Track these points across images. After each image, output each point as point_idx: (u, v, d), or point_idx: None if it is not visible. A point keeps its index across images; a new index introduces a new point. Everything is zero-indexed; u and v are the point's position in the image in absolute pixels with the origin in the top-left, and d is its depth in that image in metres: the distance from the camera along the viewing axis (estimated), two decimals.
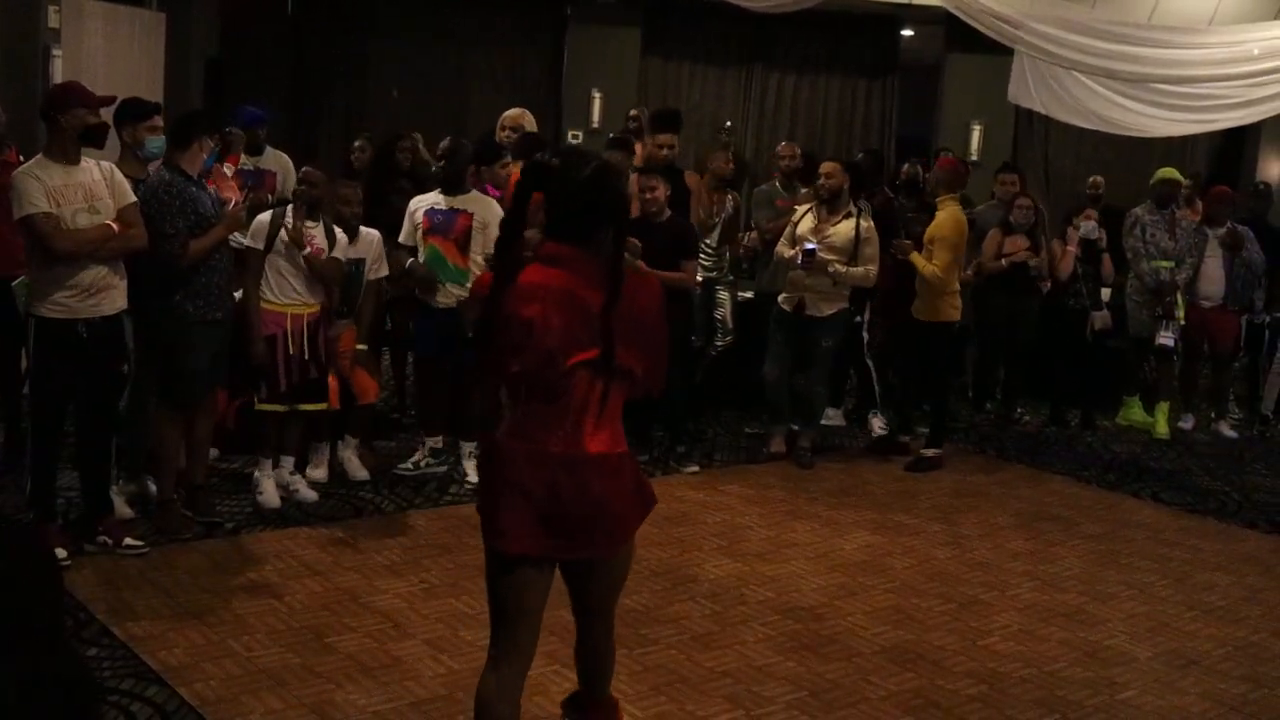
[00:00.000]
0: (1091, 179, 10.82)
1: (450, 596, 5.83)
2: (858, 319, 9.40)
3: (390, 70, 14.26)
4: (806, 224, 8.49)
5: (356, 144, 9.73)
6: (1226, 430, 10.64)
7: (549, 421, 3.77)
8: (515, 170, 8.61)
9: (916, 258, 8.53)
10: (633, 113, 10.63)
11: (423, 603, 5.75)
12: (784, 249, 8.52)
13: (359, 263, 7.39)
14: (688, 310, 8.69)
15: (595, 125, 14.08)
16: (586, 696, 4.45)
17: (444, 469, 7.77)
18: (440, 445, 7.79)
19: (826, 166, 8.58)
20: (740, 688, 5.11)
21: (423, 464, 7.76)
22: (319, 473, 7.43)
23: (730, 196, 9.39)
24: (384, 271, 7.57)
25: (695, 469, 8.32)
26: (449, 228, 7.36)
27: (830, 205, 8.47)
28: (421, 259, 7.43)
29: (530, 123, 8.83)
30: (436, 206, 7.42)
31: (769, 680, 5.20)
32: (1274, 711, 5.29)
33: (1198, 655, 5.84)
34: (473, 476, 7.39)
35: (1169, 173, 10.56)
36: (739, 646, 5.53)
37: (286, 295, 6.85)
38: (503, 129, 8.77)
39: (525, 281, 3.70)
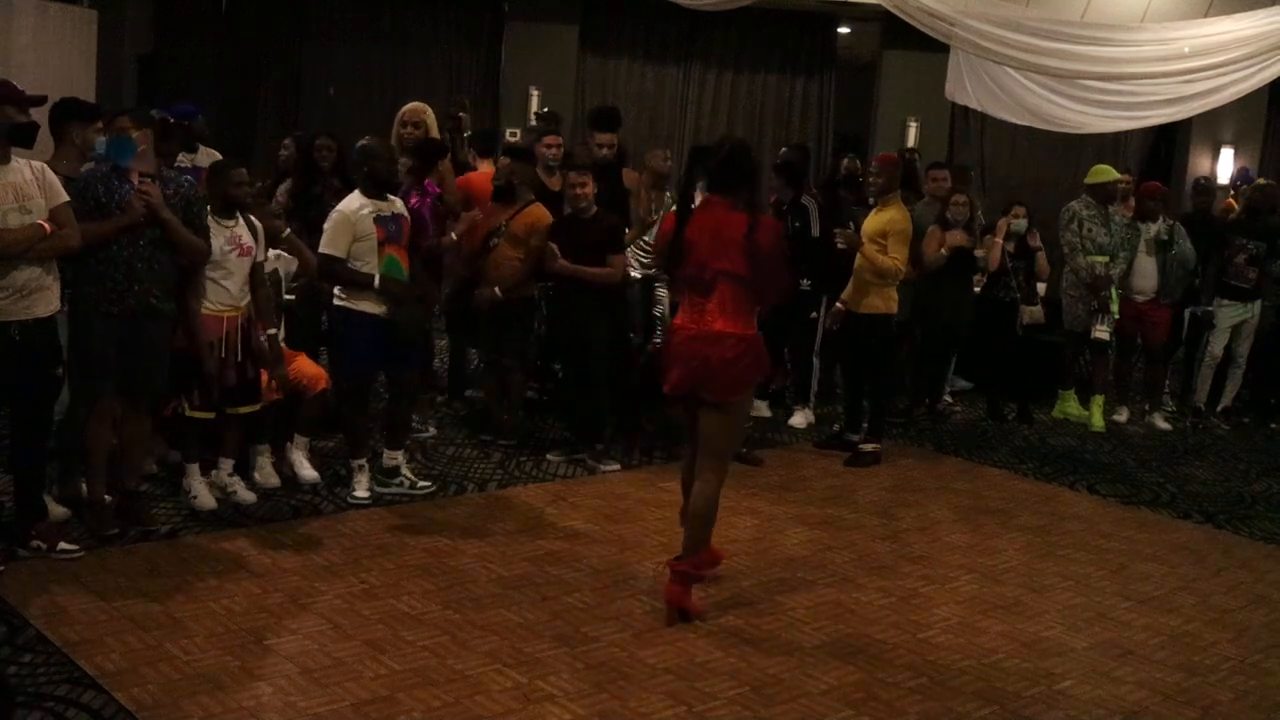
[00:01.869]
0: (1014, 210, 10.81)
1: (391, 597, 5.79)
2: (813, 315, 9.46)
3: (326, 68, 14.18)
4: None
5: (285, 142, 9.65)
6: (1160, 423, 10.79)
7: (695, 309, 5.80)
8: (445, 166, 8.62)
9: (871, 250, 8.54)
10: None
11: (363, 604, 5.71)
12: None
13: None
14: (623, 307, 8.70)
15: (533, 122, 14.03)
16: (684, 548, 5.89)
17: (431, 486, 7.55)
18: (397, 461, 7.49)
19: None
20: (682, 683, 5.11)
21: (389, 486, 7.41)
22: (272, 480, 7.33)
23: (669, 194, 9.41)
24: (292, 264, 7.51)
25: (616, 467, 8.30)
26: (400, 233, 7.25)
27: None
28: (379, 270, 7.07)
29: (431, 119, 8.69)
30: (381, 214, 7.12)
31: (711, 676, 5.21)
32: (1208, 699, 5.36)
33: (1133, 645, 5.91)
34: (361, 492, 7.19)
35: (1108, 172, 10.64)
36: (681, 642, 5.53)
37: (220, 300, 6.77)
38: (404, 125, 8.61)
39: (693, 219, 5.84)
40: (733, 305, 5.70)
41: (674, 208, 6.32)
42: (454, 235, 8.24)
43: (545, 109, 12.64)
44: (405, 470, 7.47)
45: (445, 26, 14.52)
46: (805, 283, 9.19)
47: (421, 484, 7.45)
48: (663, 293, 9.31)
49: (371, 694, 4.82)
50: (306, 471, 7.46)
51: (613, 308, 8.39)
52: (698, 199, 6.14)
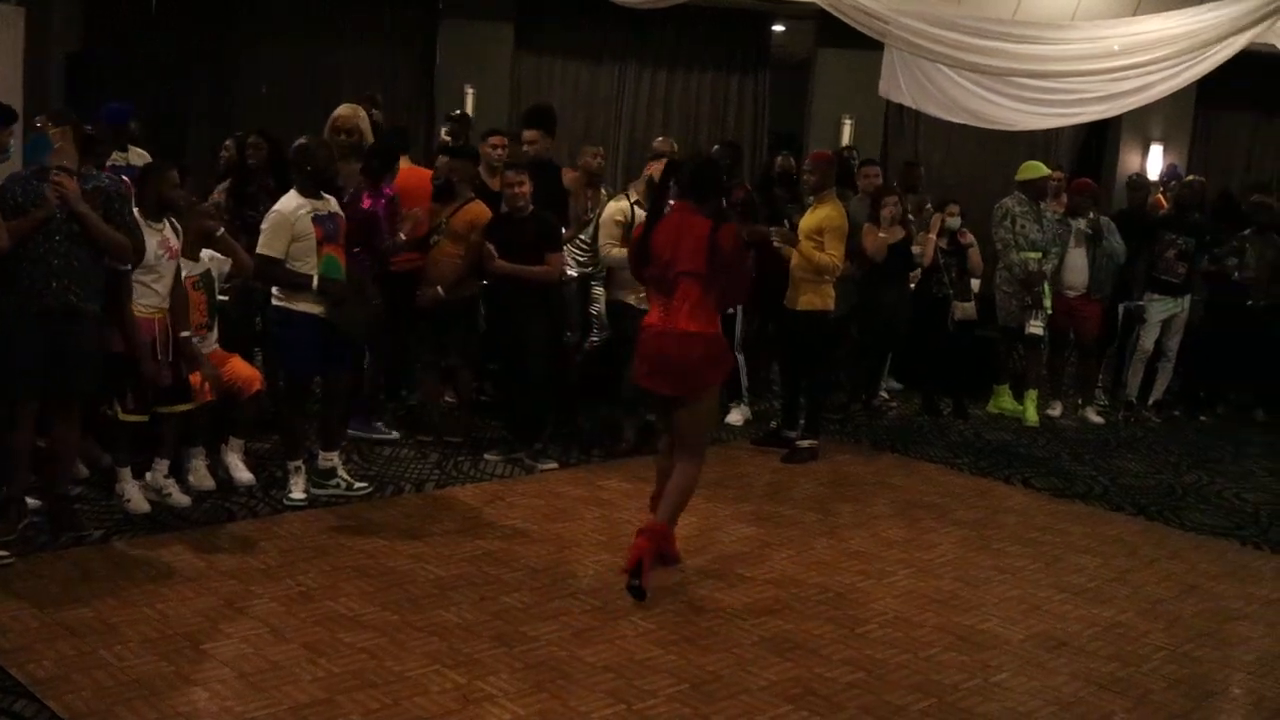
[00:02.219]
0: (949, 207, 10.90)
1: (328, 599, 5.75)
2: (729, 311, 9.49)
3: (259, 66, 14.04)
4: (607, 211, 8.52)
5: (226, 144, 9.56)
6: (1093, 416, 10.92)
7: (663, 308, 6.19)
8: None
9: (807, 247, 8.57)
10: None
11: (300, 606, 5.67)
12: (616, 249, 8.47)
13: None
14: (559, 306, 8.69)
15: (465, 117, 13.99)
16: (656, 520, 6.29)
17: (368, 487, 7.51)
18: (333, 462, 7.43)
19: (660, 163, 8.65)
20: (622, 681, 5.11)
21: (325, 488, 7.34)
22: (207, 483, 7.25)
23: (604, 191, 9.41)
24: (225, 265, 7.46)
25: (554, 465, 8.29)
26: (338, 232, 7.18)
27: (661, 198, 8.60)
28: (318, 270, 7.00)
29: (364, 120, 8.55)
30: (318, 213, 7.05)
31: (650, 673, 5.21)
32: (1141, 689, 5.43)
33: (1068, 636, 5.97)
34: (297, 494, 7.14)
35: (1039, 168, 10.74)
36: (620, 641, 5.53)
37: (150, 303, 6.69)
38: (337, 133, 8.35)
39: (660, 224, 6.25)
40: (697, 305, 6.12)
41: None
42: (403, 235, 8.21)
43: (458, 111, 12.66)
44: (341, 471, 7.42)
45: (379, 24, 14.42)
46: None
47: (358, 485, 7.41)
48: (599, 291, 9.31)
49: (309, 697, 4.78)
50: (242, 474, 7.40)
51: (550, 306, 8.39)
52: (670, 206, 6.49)
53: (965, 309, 10.53)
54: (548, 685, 5.02)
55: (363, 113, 8.64)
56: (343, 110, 8.47)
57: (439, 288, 8.28)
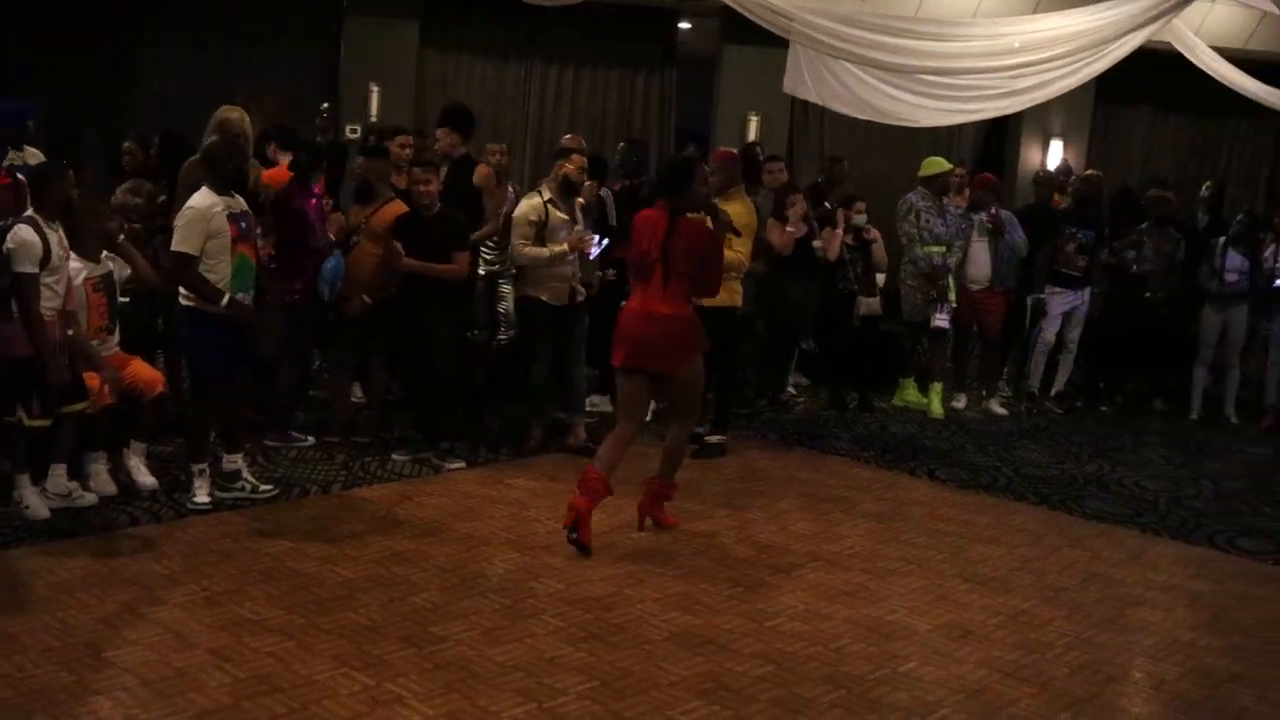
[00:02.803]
0: (856, 206, 10.99)
1: (233, 604, 5.68)
2: (623, 304, 9.51)
3: (157, 64, 13.79)
4: (557, 215, 8.51)
5: (125, 144, 9.41)
6: (997, 408, 11.07)
7: (641, 292, 6.93)
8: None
9: None
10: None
11: (205, 611, 5.59)
12: (528, 247, 8.48)
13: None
14: (466, 304, 8.65)
15: (374, 119, 13.86)
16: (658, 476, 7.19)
17: (274, 490, 7.43)
18: (237, 465, 7.33)
19: (576, 159, 8.65)
20: (532, 680, 5.10)
21: (230, 491, 7.25)
22: (109, 488, 7.13)
23: (511, 190, 9.38)
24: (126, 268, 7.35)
25: (461, 465, 8.24)
26: (251, 231, 7.08)
27: (572, 194, 8.58)
28: (231, 268, 6.91)
29: (248, 124, 8.33)
30: (232, 211, 6.96)
31: (560, 671, 5.21)
32: (1045, 676, 5.51)
33: (973, 625, 6.05)
34: (201, 498, 7.06)
35: (941, 164, 10.86)
36: (529, 639, 5.52)
37: (51, 305, 6.58)
38: (234, 135, 7.99)
39: (641, 218, 7.05)
40: (671, 290, 6.84)
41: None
42: (331, 235, 8.13)
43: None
44: (246, 474, 7.33)
45: (281, 21, 14.21)
46: (611, 273, 9.28)
47: (264, 488, 7.33)
48: (507, 289, 9.28)
49: (215, 703, 4.72)
50: (144, 478, 7.29)
51: (458, 305, 8.34)
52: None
53: (870, 304, 10.63)
54: (457, 685, 5.00)
55: (239, 110, 8.51)
56: (232, 114, 8.31)
57: (364, 296, 8.24)
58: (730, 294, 8.71)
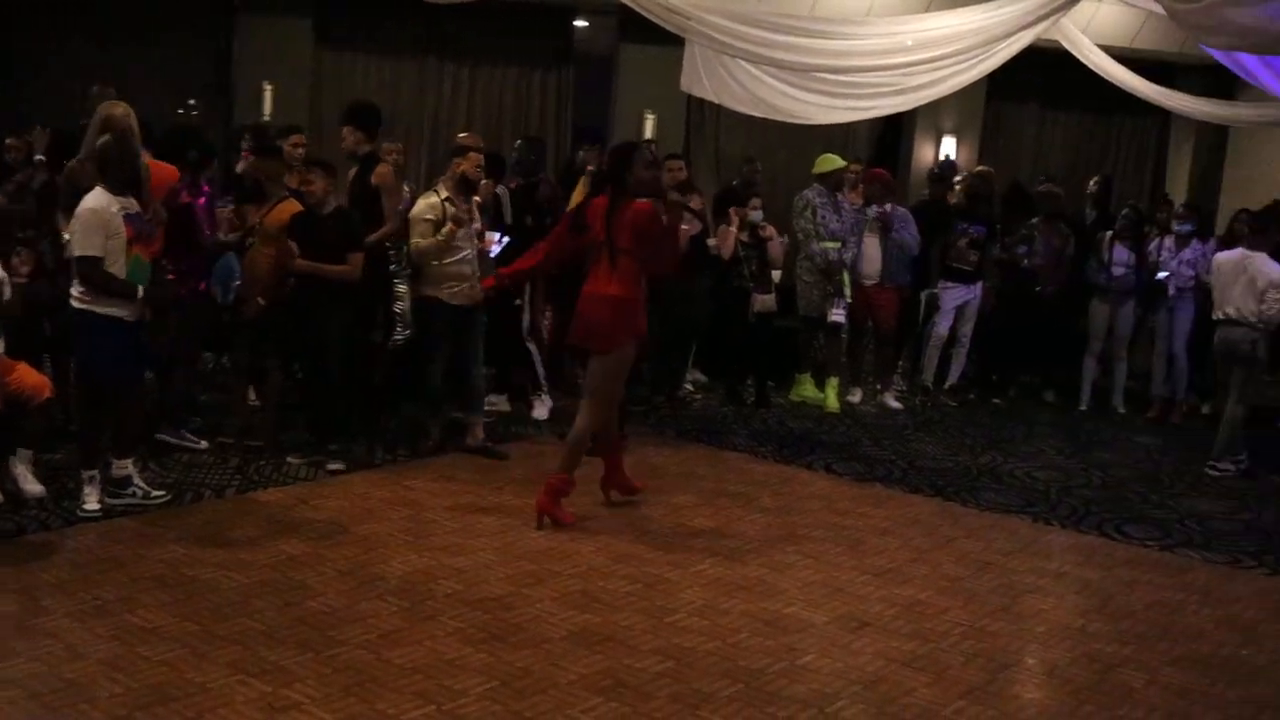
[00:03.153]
0: (751, 203, 11.05)
1: (125, 612, 5.58)
2: (517, 302, 9.53)
3: (43, 61, 13.51)
4: (419, 207, 8.47)
5: (8, 141, 9.23)
6: (892, 402, 11.20)
7: (593, 275, 7.26)
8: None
9: None
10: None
11: (96, 621, 5.49)
12: (424, 241, 8.44)
13: None
14: (362, 305, 8.56)
15: (267, 118, 13.69)
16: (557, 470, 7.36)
17: (166, 495, 7.29)
18: (128, 470, 7.18)
19: (473, 157, 8.63)
20: (431, 682, 5.07)
21: (121, 497, 7.12)
22: None
23: (408, 190, 9.32)
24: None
25: (340, 467, 8.11)
26: (144, 231, 6.96)
27: (469, 192, 8.56)
28: (125, 271, 6.79)
29: (126, 113, 8.27)
30: (127, 211, 6.83)
31: (460, 673, 5.19)
32: (941, 664, 5.59)
33: (870, 617, 6.12)
34: (91, 505, 6.92)
35: (835, 160, 10.97)
36: (429, 641, 5.49)
37: None
38: (124, 133, 8.09)
39: (594, 201, 7.50)
40: (620, 271, 7.17)
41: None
42: (222, 235, 8.02)
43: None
44: (138, 480, 7.20)
45: (169, 17, 13.98)
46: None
47: (156, 493, 7.20)
48: (403, 289, 9.20)
49: (108, 715, 4.63)
50: (31, 486, 7.10)
51: (351, 306, 8.25)
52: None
53: (765, 301, 10.68)
54: (355, 689, 4.96)
55: (122, 106, 8.37)
56: (116, 109, 8.15)
57: (259, 299, 8.13)
58: None
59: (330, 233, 7.98)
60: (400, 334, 9.17)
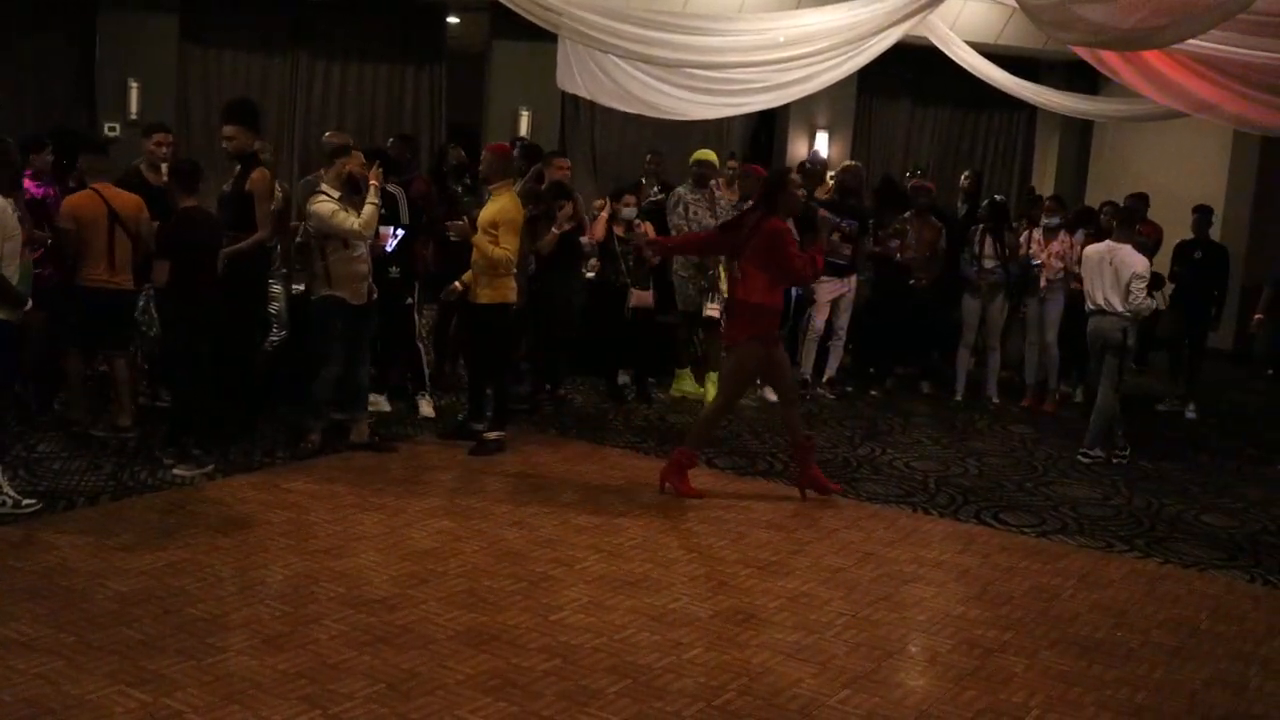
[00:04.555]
0: (626, 199, 11.06)
1: None
2: (409, 301, 9.45)
3: None
4: (330, 208, 8.37)
5: None
6: (771, 395, 11.25)
7: (739, 280, 8.12)
8: None
9: (481, 240, 8.59)
10: None
11: None
12: (349, 219, 8.35)
13: None
14: (237, 307, 8.44)
15: (134, 116, 13.42)
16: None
17: (37, 504, 7.07)
18: None
19: (358, 155, 8.55)
20: (316, 687, 5.01)
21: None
22: None
23: (279, 190, 9.18)
24: None
25: (204, 470, 7.91)
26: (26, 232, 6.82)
27: (357, 192, 8.47)
28: (17, 270, 6.68)
29: None
30: (16, 212, 6.74)
31: (345, 676, 5.13)
32: (825, 655, 5.66)
33: (755, 609, 6.18)
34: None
35: (706, 154, 11.07)
36: (312, 646, 5.42)
37: None
38: None
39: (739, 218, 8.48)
40: (752, 280, 8.02)
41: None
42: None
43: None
44: (7, 488, 7.00)
45: (29, 13, 13.60)
46: (394, 270, 9.20)
47: (26, 502, 7.01)
48: (277, 289, 9.09)
49: None
50: None
51: (198, 311, 8.09)
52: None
53: (642, 297, 10.69)
54: (238, 697, 4.88)
55: None
56: None
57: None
58: (503, 291, 8.72)
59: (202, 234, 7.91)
60: (276, 335, 9.05)
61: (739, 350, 8.20)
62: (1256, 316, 11.41)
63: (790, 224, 8.28)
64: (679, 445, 8.34)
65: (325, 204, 8.35)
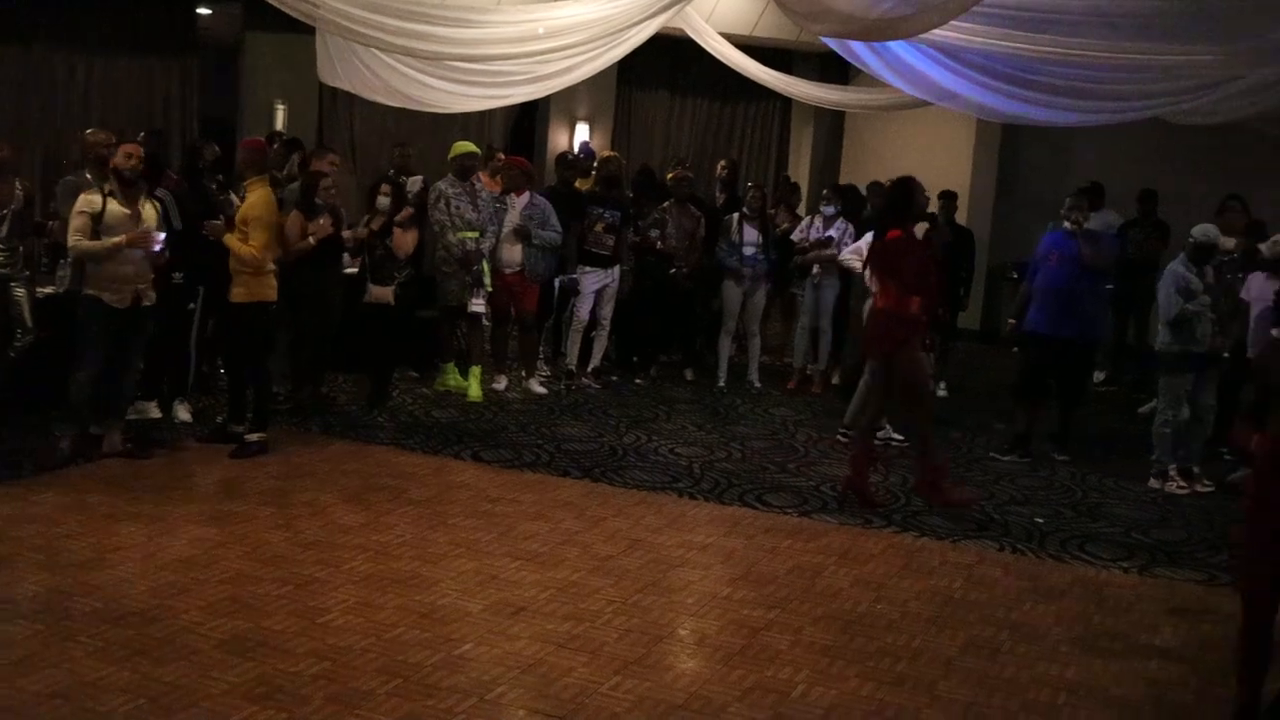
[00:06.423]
0: (383, 188, 10.87)
1: None
2: (190, 306, 9.18)
3: None
4: (114, 209, 8.07)
5: None
6: (536, 387, 11.31)
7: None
8: None
9: (231, 239, 8.40)
10: None
11: None
12: (84, 241, 8.01)
13: None
14: None
15: None
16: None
17: None
18: None
19: (129, 147, 8.25)
20: (72, 706, 4.84)
21: None
22: None
23: (20, 187, 8.79)
24: None
25: None
26: None
27: (132, 189, 8.19)
28: None
29: None
30: None
31: (104, 693, 4.96)
32: (596, 643, 5.73)
33: (525, 601, 6.20)
34: None
35: (466, 146, 11.02)
36: (68, 664, 5.22)
37: None
38: None
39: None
40: (883, 290, 8.42)
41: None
42: None
43: None
44: None
45: None
46: (177, 275, 8.92)
47: None
48: (20, 292, 8.69)
49: None
50: None
51: None
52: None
53: (380, 293, 10.35)
54: None
55: None
56: None
57: None
58: (259, 289, 8.55)
59: None
60: (20, 339, 8.68)
61: (901, 358, 8.33)
62: (1011, 321, 11.65)
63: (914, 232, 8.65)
64: (921, 475, 8.59)
65: (79, 202, 8.03)
